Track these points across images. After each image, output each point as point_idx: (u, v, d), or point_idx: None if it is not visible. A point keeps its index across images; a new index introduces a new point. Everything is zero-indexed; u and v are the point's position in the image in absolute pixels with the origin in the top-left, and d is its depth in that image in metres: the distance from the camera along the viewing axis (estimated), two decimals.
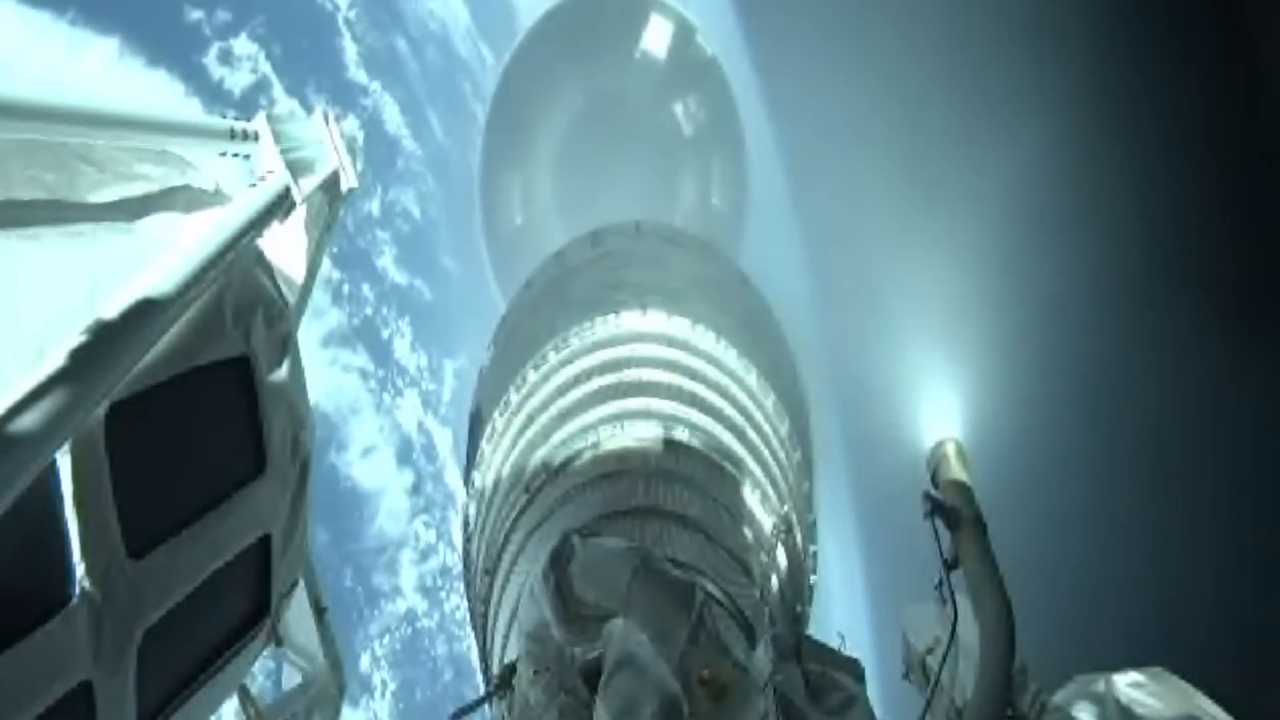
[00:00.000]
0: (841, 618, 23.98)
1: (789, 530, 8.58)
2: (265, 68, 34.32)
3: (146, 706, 2.61)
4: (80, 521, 2.21)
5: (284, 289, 3.50)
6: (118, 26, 27.86)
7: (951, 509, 4.50)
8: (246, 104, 33.13)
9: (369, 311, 37.12)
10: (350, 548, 33.41)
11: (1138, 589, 10.97)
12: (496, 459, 9.39)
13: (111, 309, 2.23)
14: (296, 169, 3.48)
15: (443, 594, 35.50)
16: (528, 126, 21.97)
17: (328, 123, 3.97)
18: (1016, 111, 12.51)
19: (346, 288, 36.27)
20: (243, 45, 33.75)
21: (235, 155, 3.40)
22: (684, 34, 21.43)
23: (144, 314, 2.31)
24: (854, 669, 4.09)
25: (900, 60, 16.64)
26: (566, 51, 21.42)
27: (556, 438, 8.68)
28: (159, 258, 2.52)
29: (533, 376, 9.38)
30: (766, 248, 23.49)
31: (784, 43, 25.59)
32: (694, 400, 8.79)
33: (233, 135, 3.36)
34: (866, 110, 18.71)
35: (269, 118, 3.49)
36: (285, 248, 3.90)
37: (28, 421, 1.85)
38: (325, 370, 33.98)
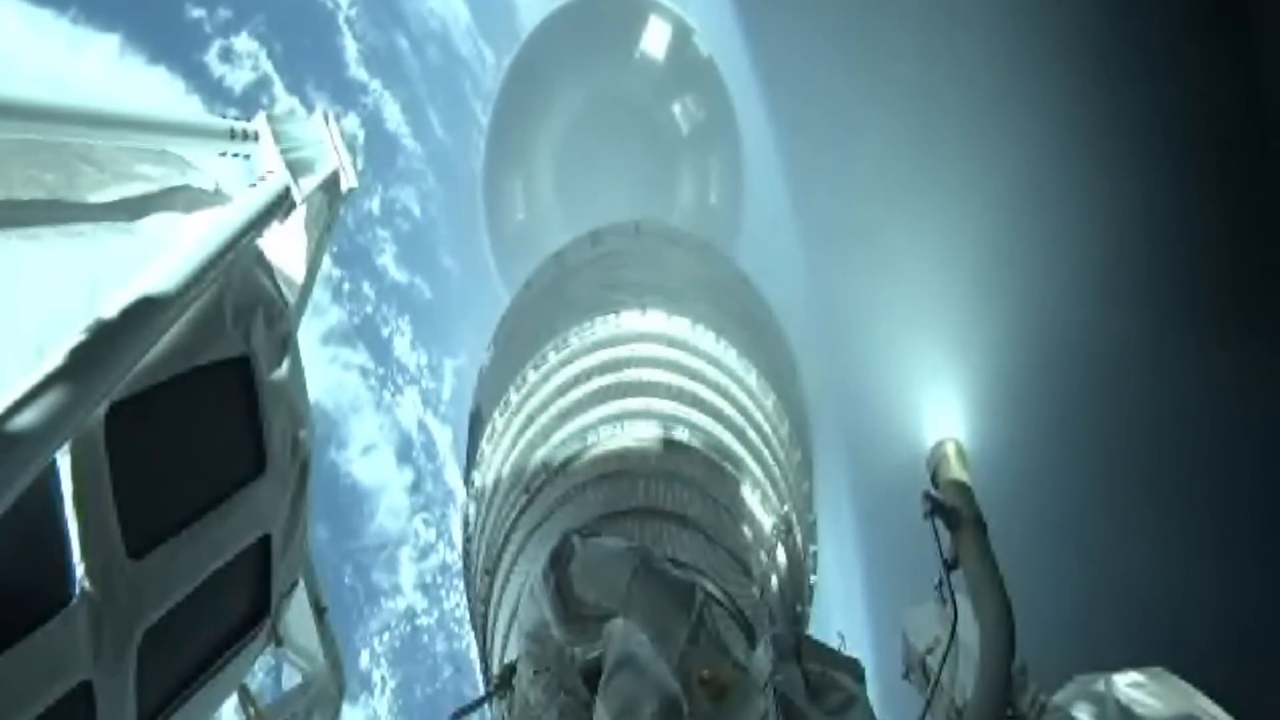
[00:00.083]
0: (841, 617, 24.01)
1: (789, 530, 8.58)
2: (266, 66, 34.32)
3: (146, 706, 2.61)
4: (80, 521, 2.21)
5: (284, 289, 3.50)
6: (119, 24, 27.88)
7: (951, 509, 4.49)
8: (247, 102, 33.15)
9: (369, 309, 37.13)
10: (350, 545, 33.44)
11: (1138, 589, 10.97)
12: (496, 459, 9.39)
13: (111, 309, 2.23)
14: (296, 169, 3.47)
15: (442, 591, 35.53)
16: (530, 126, 22.34)
17: (328, 122, 3.96)
18: (1016, 111, 12.50)
19: (347, 286, 36.28)
20: (243, 43, 33.75)
21: (235, 155, 3.39)
22: (682, 35, 21.88)
23: (144, 314, 2.31)
24: (854, 669, 4.09)
25: (899, 60, 16.64)
26: (567, 52, 21.88)
27: (556, 438, 8.67)
28: (159, 258, 2.52)
29: (533, 376, 9.38)
30: (766, 247, 23.58)
31: (783, 43, 25.62)
32: (694, 400, 8.79)
33: (233, 135, 3.35)
34: (866, 109, 18.72)
35: (269, 117, 3.49)
36: (285, 248, 3.90)
37: (28, 421, 1.85)
38: (325, 368, 33.99)
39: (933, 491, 4.67)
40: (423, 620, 34.85)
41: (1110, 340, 11.54)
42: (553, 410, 8.96)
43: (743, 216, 22.68)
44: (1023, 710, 3.94)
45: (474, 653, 10.74)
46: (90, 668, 2.27)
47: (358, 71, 39.27)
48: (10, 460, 1.80)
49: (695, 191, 22.26)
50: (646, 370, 8.97)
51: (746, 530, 7.86)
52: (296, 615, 4.28)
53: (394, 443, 36.31)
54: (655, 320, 9.38)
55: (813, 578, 9.38)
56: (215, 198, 3.17)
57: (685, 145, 22.20)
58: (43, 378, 1.93)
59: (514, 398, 9.43)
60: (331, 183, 3.94)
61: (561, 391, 9.05)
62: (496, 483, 9.25)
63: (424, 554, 35.79)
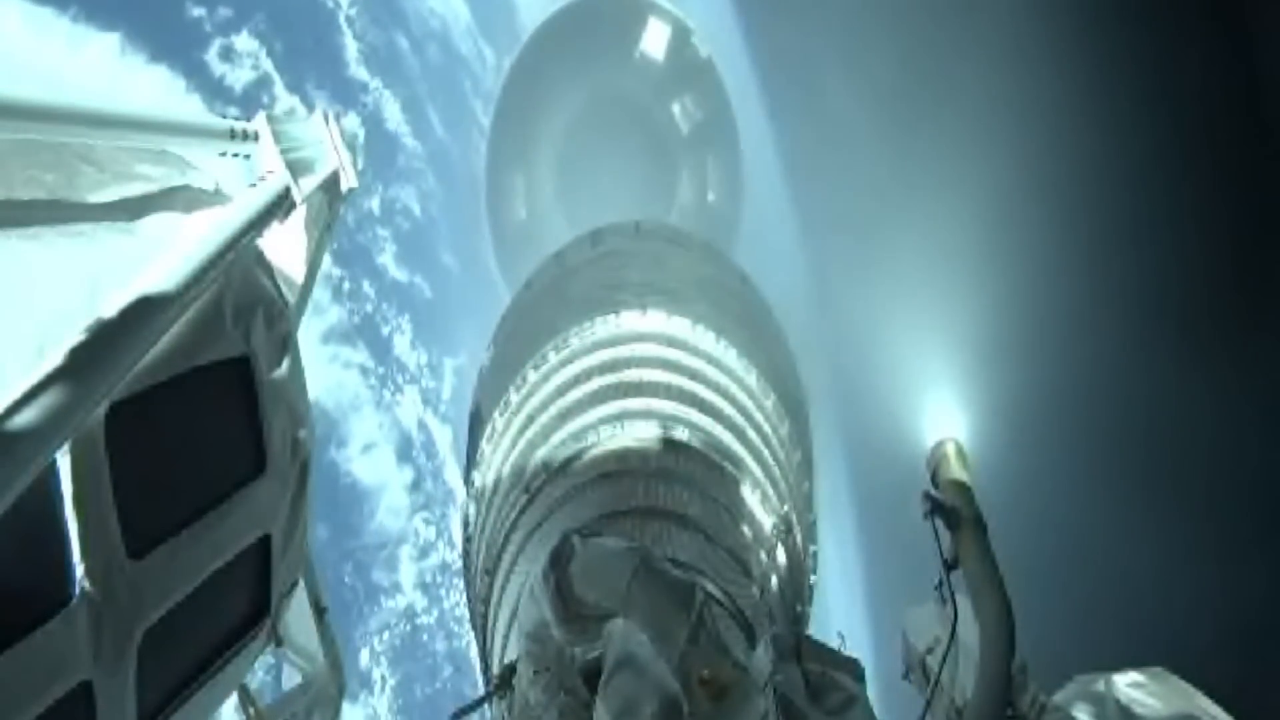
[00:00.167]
0: (841, 618, 24.01)
1: (789, 530, 8.57)
2: (266, 64, 34.29)
3: (146, 706, 2.61)
4: (80, 521, 2.21)
5: (284, 289, 3.49)
6: (119, 23, 27.86)
7: (951, 509, 4.49)
8: (247, 100, 33.12)
9: (369, 308, 37.10)
10: (350, 544, 33.43)
11: (1138, 589, 10.97)
12: (496, 459, 9.39)
13: (111, 309, 2.23)
14: (296, 169, 3.47)
15: (442, 590, 35.53)
16: (531, 126, 22.64)
17: (328, 122, 3.97)
18: (1015, 111, 12.50)
19: (347, 284, 36.25)
20: (244, 42, 33.72)
21: (235, 155, 3.39)
22: (680, 36, 22.25)
23: (144, 313, 2.31)
24: (854, 669, 4.09)
25: (899, 59, 16.64)
26: (568, 53, 22.23)
27: (556, 438, 8.67)
28: (159, 257, 2.51)
29: (533, 376, 9.37)
30: (766, 247, 23.66)
31: (782, 43, 25.66)
32: (694, 400, 8.78)
33: (233, 135, 3.35)
34: (865, 109, 18.73)
35: (269, 118, 3.49)
36: (285, 248, 3.90)
37: (27, 420, 1.85)
38: (325, 366, 33.96)
39: (933, 491, 4.66)
40: (422, 619, 34.86)
41: (1110, 340, 11.54)
42: (553, 410, 8.95)
43: (741, 215, 22.95)
44: (1023, 710, 3.94)
45: (474, 652, 10.74)
46: (90, 668, 2.27)
47: (358, 70, 39.26)
48: (10, 460, 1.80)
49: (694, 190, 22.57)
50: (647, 370, 8.97)
51: (746, 530, 7.86)
52: (296, 615, 4.27)
53: (394, 441, 36.31)
54: (655, 320, 9.38)
55: (813, 578, 9.38)
56: (215, 198, 3.17)
57: (684, 145, 22.52)
58: (43, 378, 1.93)
59: (514, 398, 9.43)
60: (331, 182, 3.94)
61: (561, 391, 9.04)
62: (496, 483, 9.24)
63: (424, 553, 35.80)
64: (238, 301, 2.94)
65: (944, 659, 4.29)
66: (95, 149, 2.75)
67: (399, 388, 37.34)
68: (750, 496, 8.26)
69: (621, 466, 7.98)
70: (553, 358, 9.35)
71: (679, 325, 9.37)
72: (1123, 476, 11.52)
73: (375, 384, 36.28)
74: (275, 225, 3.28)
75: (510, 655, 5.54)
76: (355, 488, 34.17)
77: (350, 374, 35.41)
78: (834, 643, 4.51)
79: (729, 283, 12.03)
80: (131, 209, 2.77)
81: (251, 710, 3.82)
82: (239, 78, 33.46)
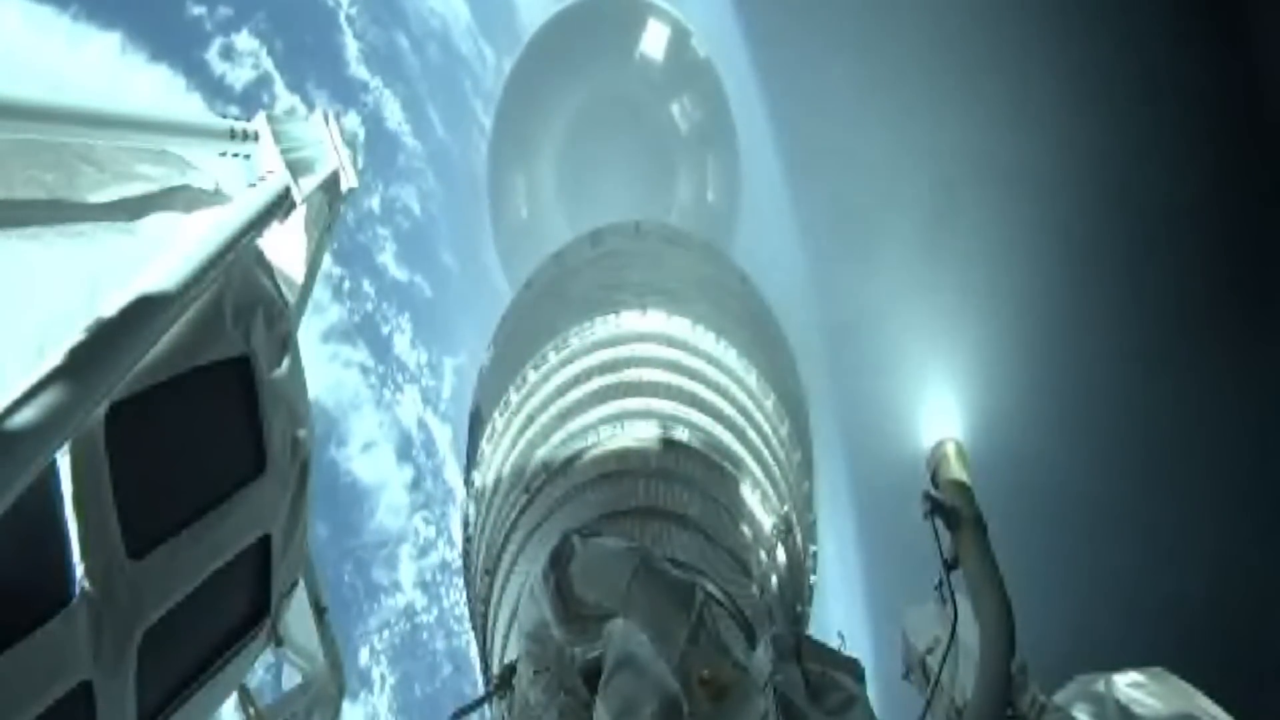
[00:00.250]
0: (841, 618, 24.01)
1: (789, 530, 8.57)
2: (267, 63, 34.29)
3: (146, 707, 2.60)
4: (80, 521, 2.20)
5: (284, 289, 3.49)
6: (120, 22, 27.85)
7: (951, 509, 4.49)
8: (248, 100, 33.11)
9: (369, 307, 37.11)
10: (350, 543, 33.44)
11: (1138, 588, 10.97)
12: (496, 459, 9.39)
13: (111, 308, 2.22)
14: (296, 169, 3.47)
15: (442, 589, 35.55)
16: (532, 125, 22.77)
17: (328, 122, 3.96)
18: (1015, 111, 12.50)
19: (347, 284, 36.25)
20: (244, 41, 33.72)
21: (235, 155, 3.39)
22: (680, 37, 22.44)
23: (144, 313, 2.30)
24: (854, 669, 4.09)
25: (899, 58, 16.64)
26: (568, 54, 22.40)
27: (556, 438, 8.67)
28: (159, 257, 2.51)
29: (533, 376, 9.37)
30: (766, 247, 23.72)
31: (781, 43, 25.69)
32: (694, 400, 8.78)
33: (233, 135, 3.35)
34: (864, 109, 18.74)
35: (269, 117, 3.48)
36: (285, 247, 3.90)
37: (27, 420, 1.85)
38: (326, 365, 33.96)
39: (933, 491, 4.67)
40: (422, 618, 34.87)
41: (1110, 340, 11.54)
42: (553, 410, 8.95)
43: (740, 214, 23.07)
44: (1023, 710, 3.94)
45: (473, 651, 10.74)
46: (90, 668, 2.27)
47: (358, 70, 39.26)
48: (10, 460, 1.80)
49: (693, 189, 22.71)
50: (646, 370, 8.97)
51: (746, 530, 7.86)
52: (296, 615, 4.27)
53: (394, 440, 36.33)
54: (655, 320, 9.38)
55: (813, 578, 9.38)
56: (215, 198, 3.17)
57: (683, 144, 22.66)
58: (43, 377, 1.93)
59: (514, 398, 9.43)
60: (332, 182, 3.94)
61: (561, 391, 9.04)
62: (496, 483, 9.24)
63: (424, 551, 35.82)
64: (238, 301, 2.94)
65: (944, 659, 4.29)
66: (95, 149, 2.74)
67: (399, 387, 37.36)
68: (750, 496, 8.26)
69: (621, 466, 7.98)
70: (553, 358, 9.35)
71: (679, 325, 9.37)
72: (1123, 476, 11.52)
73: (375, 383, 36.30)
74: (275, 225, 3.28)
75: (510, 655, 5.54)
76: (355, 486, 34.20)
77: (350, 373, 35.43)
78: (834, 643, 4.51)
79: (729, 283, 12.03)
80: (131, 209, 2.77)
81: (251, 710, 3.82)
82: (239, 77, 33.48)
